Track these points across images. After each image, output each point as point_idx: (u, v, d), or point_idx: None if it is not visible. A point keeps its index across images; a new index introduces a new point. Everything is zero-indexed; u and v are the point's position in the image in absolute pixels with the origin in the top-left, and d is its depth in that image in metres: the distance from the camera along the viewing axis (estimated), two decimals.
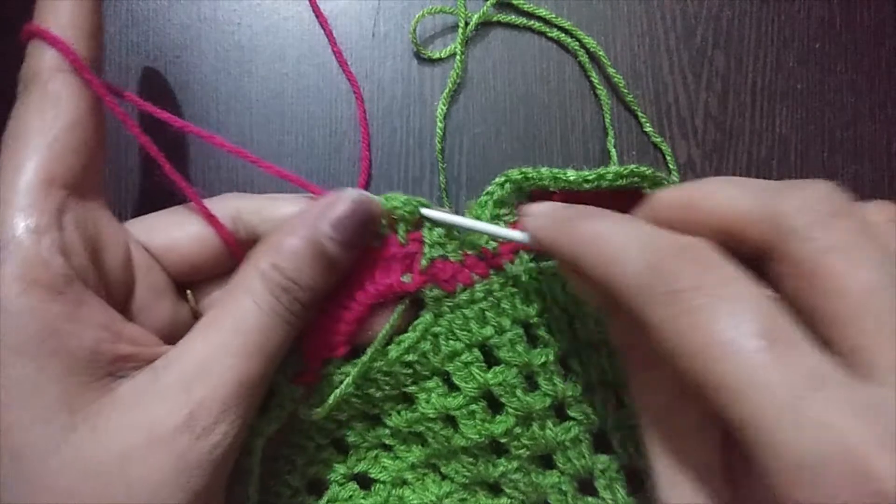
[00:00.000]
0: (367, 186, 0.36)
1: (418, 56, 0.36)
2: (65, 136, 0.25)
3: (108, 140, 0.28)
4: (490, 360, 0.31)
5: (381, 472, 0.33)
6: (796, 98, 0.37)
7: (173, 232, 0.29)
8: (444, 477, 0.33)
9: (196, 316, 0.30)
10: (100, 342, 0.24)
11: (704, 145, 0.37)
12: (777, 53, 0.37)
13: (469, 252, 0.31)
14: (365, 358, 0.30)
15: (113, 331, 0.25)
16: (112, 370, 0.25)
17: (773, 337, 0.18)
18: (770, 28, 0.37)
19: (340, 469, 0.33)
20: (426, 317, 0.31)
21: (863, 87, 0.37)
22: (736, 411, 0.18)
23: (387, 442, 0.33)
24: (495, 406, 0.31)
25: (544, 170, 0.30)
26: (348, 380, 0.30)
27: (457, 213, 0.32)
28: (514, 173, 0.30)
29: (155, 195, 0.35)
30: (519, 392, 0.31)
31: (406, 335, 0.31)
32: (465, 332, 0.31)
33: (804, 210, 0.20)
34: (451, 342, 0.31)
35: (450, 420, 0.31)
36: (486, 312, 0.31)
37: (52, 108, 0.25)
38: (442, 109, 0.36)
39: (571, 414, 0.32)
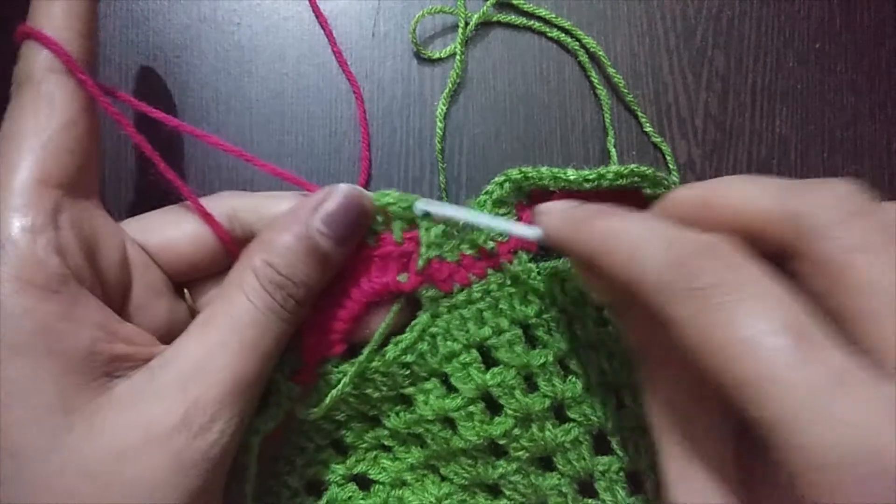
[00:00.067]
0: (366, 186, 0.36)
1: (418, 56, 0.36)
2: (59, 137, 0.25)
3: (104, 140, 0.28)
4: (488, 361, 0.31)
5: (380, 473, 0.33)
6: (796, 98, 0.37)
7: (169, 231, 0.29)
8: (443, 478, 0.33)
9: (194, 314, 0.30)
10: (96, 342, 0.24)
11: (704, 145, 0.37)
12: (777, 53, 0.37)
13: (466, 252, 0.31)
14: (361, 358, 0.30)
15: (109, 330, 0.25)
16: (108, 370, 0.24)
17: (798, 334, 0.18)
18: (770, 28, 0.37)
19: (339, 470, 0.33)
20: (423, 317, 0.31)
21: (863, 87, 0.37)
22: (759, 410, 0.18)
23: (386, 443, 0.33)
24: (494, 407, 0.31)
25: (544, 169, 0.30)
26: (345, 379, 0.30)
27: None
28: (514, 173, 0.30)
29: (151, 195, 0.35)
30: (518, 393, 0.30)
31: (403, 336, 0.31)
32: (462, 333, 0.31)
33: (826, 209, 0.20)
34: (449, 343, 0.31)
35: (448, 421, 0.31)
36: (484, 313, 0.31)
37: (45, 108, 0.25)
38: (442, 109, 0.36)
39: (571, 415, 0.31)
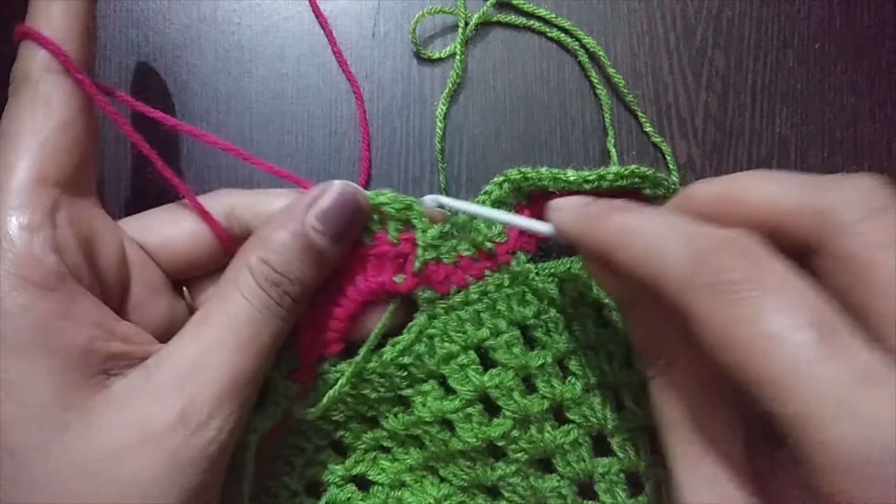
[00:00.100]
0: (366, 186, 0.36)
1: (418, 56, 0.36)
2: (56, 136, 0.25)
3: (103, 139, 0.28)
4: (487, 362, 0.31)
5: (379, 473, 0.33)
6: (796, 98, 0.37)
7: (167, 229, 0.29)
8: (442, 479, 0.33)
9: (193, 312, 0.30)
10: (92, 340, 0.24)
11: (704, 145, 0.37)
12: (777, 53, 0.37)
13: (463, 254, 0.31)
14: (358, 358, 0.30)
15: (106, 329, 0.25)
16: (105, 368, 0.24)
17: (823, 330, 0.18)
18: (770, 28, 0.37)
19: (339, 471, 0.33)
20: (420, 319, 0.31)
21: (863, 87, 0.37)
22: (783, 406, 0.18)
23: (385, 444, 0.33)
24: (493, 409, 0.31)
25: (544, 170, 0.30)
26: (343, 379, 0.30)
27: (455, 212, 0.32)
28: (513, 173, 0.30)
29: (149, 194, 0.35)
30: (516, 395, 0.30)
31: (400, 337, 0.31)
32: (460, 335, 0.31)
33: (850, 205, 0.20)
34: (447, 344, 0.31)
35: (447, 423, 0.31)
36: (482, 314, 0.31)
37: (43, 108, 0.25)
38: (442, 109, 0.36)
39: (570, 416, 0.31)
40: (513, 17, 0.37)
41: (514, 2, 0.36)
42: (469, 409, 0.31)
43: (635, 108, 0.36)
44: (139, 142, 0.28)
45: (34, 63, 0.26)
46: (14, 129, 0.25)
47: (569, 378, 0.31)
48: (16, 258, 0.23)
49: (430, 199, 0.30)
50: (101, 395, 0.24)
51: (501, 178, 0.30)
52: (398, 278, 0.30)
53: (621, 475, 0.32)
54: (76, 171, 0.26)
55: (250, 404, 0.26)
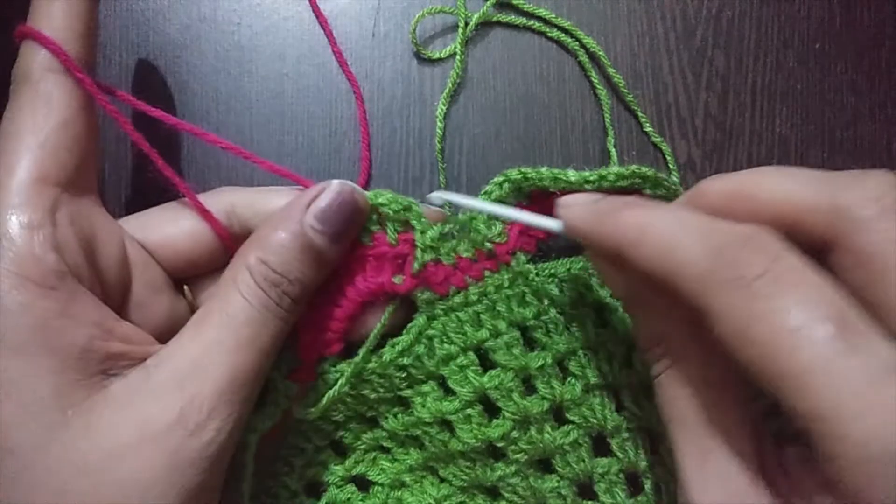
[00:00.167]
0: (366, 186, 0.36)
1: (418, 56, 0.36)
2: (56, 135, 0.25)
3: (103, 138, 0.28)
4: (486, 363, 0.31)
5: (379, 474, 0.33)
6: (796, 98, 0.37)
7: (167, 228, 0.29)
8: (442, 480, 0.33)
9: (194, 311, 0.30)
10: (92, 339, 0.24)
11: (704, 145, 0.37)
12: (777, 53, 0.37)
13: (463, 255, 0.31)
14: (358, 358, 0.30)
15: (105, 328, 0.25)
16: (104, 368, 0.24)
17: (842, 325, 0.18)
18: (770, 28, 0.37)
19: (338, 471, 0.33)
20: (419, 319, 0.31)
21: (863, 87, 0.37)
22: (803, 400, 0.18)
23: (384, 444, 0.33)
24: (492, 410, 0.31)
25: (544, 170, 0.30)
26: (342, 379, 0.30)
27: (455, 212, 0.32)
28: (513, 173, 0.30)
29: (149, 192, 0.35)
30: (516, 396, 0.30)
31: (400, 338, 0.31)
32: (459, 336, 0.30)
33: (868, 201, 0.20)
34: (446, 345, 0.31)
35: (446, 424, 0.31)
36: (482, 315, 0.31)
37: (43, 107, 0.25)
38: (442, 109, 0.36)
39: (570, 417, 0.31)
40: (513, 17, 0.37)
41: (514, 2, 0.36)
42: (468, 410, 0.31)
43: (635, 108, 0.36)
44: (140, 141, 0.28)
45: (35, 62, 0.26)
46: (14, 128, 0.25)
47: (568, 379, 0.31)
48: (16, 257, 0.23)
49: (437, 196, 0.30)
50: (100, 394, 0.24)
51: (502, 178, 0.30)
52: (397, 279, 0.30)
53: (621, 475, 0.32)
54: (77, 170, 0.26)
55: (250, 404, 0.26)
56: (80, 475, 0.23)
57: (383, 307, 0.30)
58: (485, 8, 0.36)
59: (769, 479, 0.22)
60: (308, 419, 0.31)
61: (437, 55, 0.36)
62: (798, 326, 0.18)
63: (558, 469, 0.32)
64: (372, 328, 0.30)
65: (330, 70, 0.36)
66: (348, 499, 0.33)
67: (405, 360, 0.30)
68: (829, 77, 0.37)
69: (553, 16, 0.36)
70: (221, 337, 0.25)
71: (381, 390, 0.31)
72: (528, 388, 0.31)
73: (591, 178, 0.29)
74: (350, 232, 0.28)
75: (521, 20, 0.36)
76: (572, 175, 0.29)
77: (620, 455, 0.31)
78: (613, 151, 0.36)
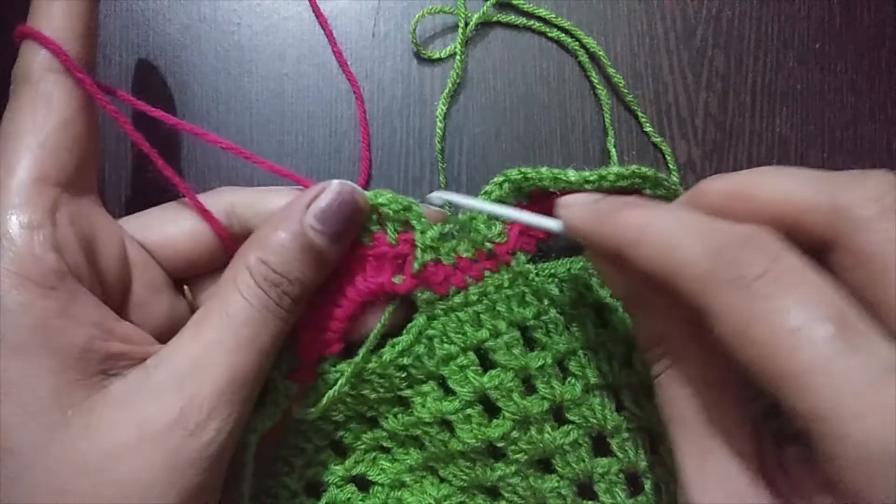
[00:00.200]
0: (366, 186, 0.36)
1: (418, 56, 0.36)
2: (56, 135, 0.25)
3: (103, 138, 0.28)
4: (486, 363, 0.31)
5: (379, 474, 0.33)
6: (796, 98, 0.37)
7: (167, 228, 0.29)
8: (442, 480, 0.33)
9: (193, 311, 0.30)
10: (91, 339, 0.24)
11: (704, 145, 0.37)
12: (777, 53, 0.37)
13: (463, 255, 0.31)
14: (358, 358, 0.30)
15: (105, 328, 0.25)
16: (104, 368, 0.24)
17: (843, 326, 0.18)
18: (770, 28, 0.37)
19: (338, 471, 0.33)
20: (419, 320, 0.31)
21: (863, 87, 0.37)
22: (803, 401, 0.18)
23: (384, 444, 0.33)
24: (492, 410, 0.31)
25: (544, 170, 0.30)
26: (342, 379, 0.30)
27: (455, 212, 0.32)
28: (513, 173, 0.30)
29: (149, 192, 0.35)
30: (516, 396, 0.30)
31: (400, 338, 0.31)
32: (459, 336, 0.30)
33: (868, 201, 0.20)
34: (446, 345, 0.31)
35: (446, 424, 0.31)
36: (482, 315, 0.31)
37: (43, 107, 0.25)
38: (442, 109, 0.36)
39: (570, 417, 0.31)
40: (513, 17, 0.37)
41: (514, 2, 0.36)
42: (468, 410, 0.31)
43: (635, 108, 0.36)
44: (140, 141, 0.28)
45: (35, 62, 0.26)
46: (14, 128, 0.25)
47: (568, 379, 0.31)
48: (16, 256, 0.23)
49: (437, 196, 0.30)
50: (100, 394, 0.24)
51: (501, 178, 0.30)
52: (397, 279, 0.30)
53: (621, 475, 0.32)
54: (76, 170, 0.26)
55: (250, 404, 0.26)
56: (80, 475, 0.23)
57: (383, 307, 0.30)
58: (485, 8, 0.36)
59: (769, 479, 0.22)
60: (308, 419, 0.31)
61: (437, 55, 0.36)
62: (798, 326, 0.18)
63: (558, 469, 0.32)
64: (372, 328, 0.30)
65: (330, 70, 0.36)
66: (348, 499, 0.33)
67: (405, 360, 0.30)
68: (829, 77, 0.37)
69: (553, 16, 0.36)
70: (221, 337, 0.25)
71: (381, 390, 0.31)
72: (528, 388, 0.31)
73: (591, 178, 0.29)
74: (350, 232, 0.28)
75: (521, 20, 0.36)
76: (572, 175, 0.29)
77: (620, 455, 0.31)
78: (613, 151, 0.36)
